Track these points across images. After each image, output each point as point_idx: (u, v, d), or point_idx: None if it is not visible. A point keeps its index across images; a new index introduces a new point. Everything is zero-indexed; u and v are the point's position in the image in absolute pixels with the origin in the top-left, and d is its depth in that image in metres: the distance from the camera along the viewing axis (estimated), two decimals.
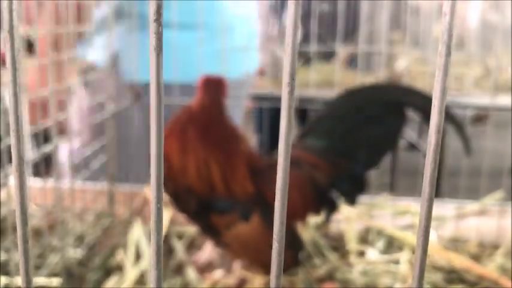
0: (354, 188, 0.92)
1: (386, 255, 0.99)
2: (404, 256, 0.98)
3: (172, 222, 1.09)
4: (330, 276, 0.93)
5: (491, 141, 1.18)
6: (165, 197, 0.86)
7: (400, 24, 2.64)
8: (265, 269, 0.85)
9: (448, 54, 0.22)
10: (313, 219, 1.05)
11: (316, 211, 0.90)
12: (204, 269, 0.94)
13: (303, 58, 2.58)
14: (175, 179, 0.82)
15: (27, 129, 0.85)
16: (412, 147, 3.76)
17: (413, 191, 1.04)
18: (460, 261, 0.96)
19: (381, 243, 1.03)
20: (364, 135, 0.91)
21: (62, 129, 0.98)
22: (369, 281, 0.91)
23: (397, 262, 0.97)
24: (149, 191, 1.01)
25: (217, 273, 0.92)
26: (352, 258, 0.98)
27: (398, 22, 2.63)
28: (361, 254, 1.00)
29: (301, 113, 2.82)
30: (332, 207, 0.91)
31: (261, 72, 2.57)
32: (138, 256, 0.96)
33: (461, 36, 2.55)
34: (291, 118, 0.22)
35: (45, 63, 0.83)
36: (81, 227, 1.04)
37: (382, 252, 1.01)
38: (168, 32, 1.16)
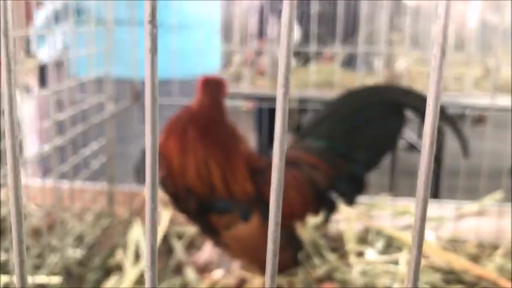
0: (353, 189, 0.92)
1: (385, 256, 0.99)
2: (403, 256, 0.98)
3: (172, 222, 1.10)
4: (329, 277, 0.93)
5: (490, 142, 1.18)
6: (165, 197, 0.86)
7: (400, 25, 2.65)
8: (265, 269, 0.85)
9: (443, 55, 0.22)
10: (313, 220, 1.05)
11: (316, 211, 0.90)
12: (204, 269, 0.94)
13: (303, 58, 2.58)
14: (175, 179, 0.82)
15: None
16: (412, 147, 3.76)
17: (412, 191, 1.04)
18: (459, 262, 0.96)
19: (380, 244, 1.03)
20: (363, 136, 0.92)
21: None
22: (368, 281, 0.91)
23: (396, 262, 0.97)
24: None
25: (217, 273, 0.92)
26: (351, 259, 0.98)
27: (398, 23, 2.64)
28: (360, 254, 1.00)
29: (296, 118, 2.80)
30: (331, 208, 0.91)
31: (261, 73, 2.57)
32: (137, 256, 0.96)
33: (460, 36, 2.55)
34: (286, 119, 0.22)
35: None
36: (80, 227, 1.04)
37: (381, 253, 1.01)
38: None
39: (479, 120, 4.13)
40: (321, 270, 0.94)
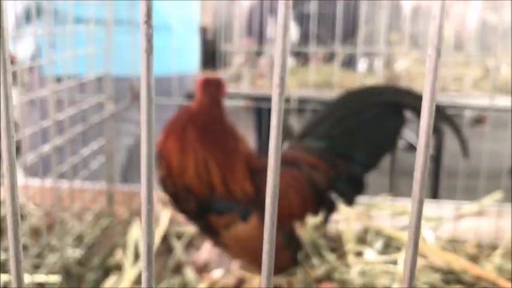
0: (353, 189, 0.92)
1: (384, 256, 0.99)
2: (402, 256, 0.98)
3: (172, 222, 1.10)
4: (328, 277, 0.93)
5: (489, 142, 1.18)
6: (165, 197, 0.86)
7: (400, 25, 2.65)
8: None
9: (438, 57, 0.22)
10: (312, 220, 1.05)
11: (315, 211, 0.91)
12: (203, 268, 0.94)
13: (302, 59, 2.58)
14: (175, 179, 0.82)
15: None
16: (411, 147, 3.76)
17: (412, 191, 1.04)
18: (458, 262, 0.96)
19: (379, 244, 1.03)
20: (363, 136, 0.92)
21: None
22: (367, 282, 0.91)
23: (395, 262, 0.97)
24: None
25: (216, 273, 0.92)
26: (351, 259, 0.98)
27: (398, 23, 2.64)
28: (359, 254, 1.00)
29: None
30: (331, 208, 0.91)
31: (260, 74, 2.57)
32: (136, 256, 0.96)
33: (460, 37, 2.55)
34: (281, 119, 0.22)
35: None
36: (80, 226, 1.05)
37: (380, 253, 1.01)
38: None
39: (478, 120, 4.14)
40: (320, 270, 0.94)
